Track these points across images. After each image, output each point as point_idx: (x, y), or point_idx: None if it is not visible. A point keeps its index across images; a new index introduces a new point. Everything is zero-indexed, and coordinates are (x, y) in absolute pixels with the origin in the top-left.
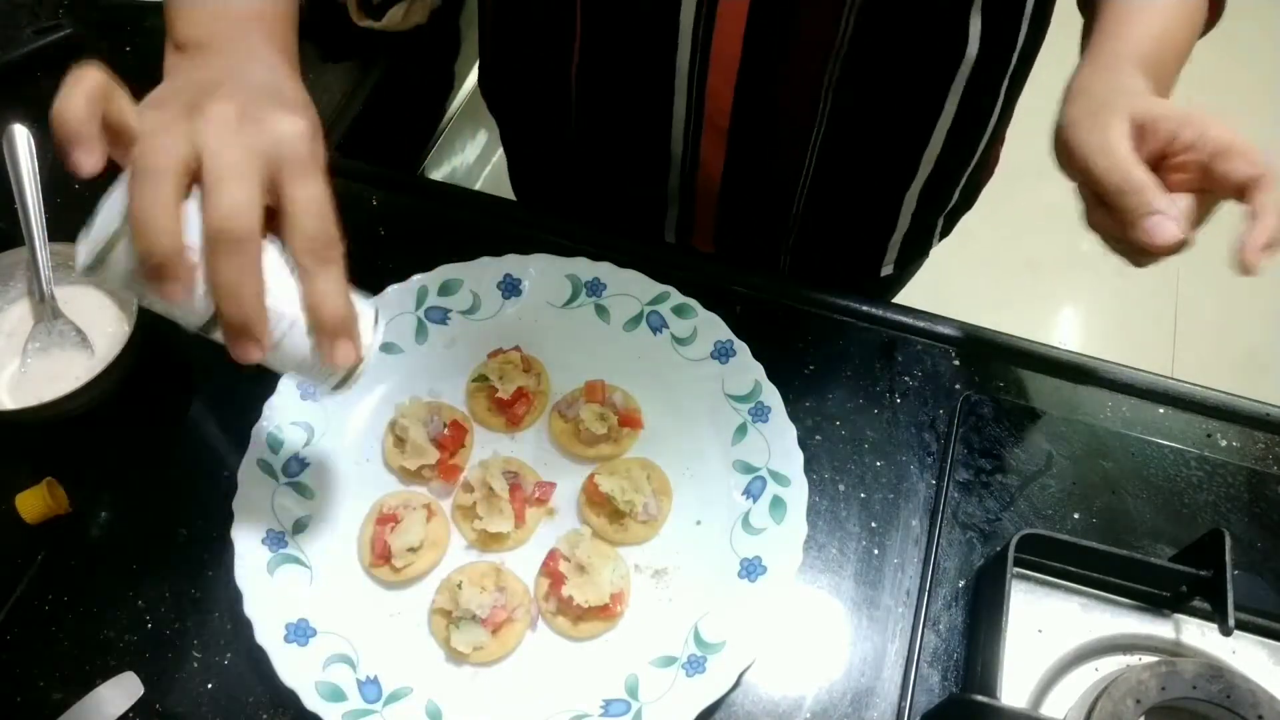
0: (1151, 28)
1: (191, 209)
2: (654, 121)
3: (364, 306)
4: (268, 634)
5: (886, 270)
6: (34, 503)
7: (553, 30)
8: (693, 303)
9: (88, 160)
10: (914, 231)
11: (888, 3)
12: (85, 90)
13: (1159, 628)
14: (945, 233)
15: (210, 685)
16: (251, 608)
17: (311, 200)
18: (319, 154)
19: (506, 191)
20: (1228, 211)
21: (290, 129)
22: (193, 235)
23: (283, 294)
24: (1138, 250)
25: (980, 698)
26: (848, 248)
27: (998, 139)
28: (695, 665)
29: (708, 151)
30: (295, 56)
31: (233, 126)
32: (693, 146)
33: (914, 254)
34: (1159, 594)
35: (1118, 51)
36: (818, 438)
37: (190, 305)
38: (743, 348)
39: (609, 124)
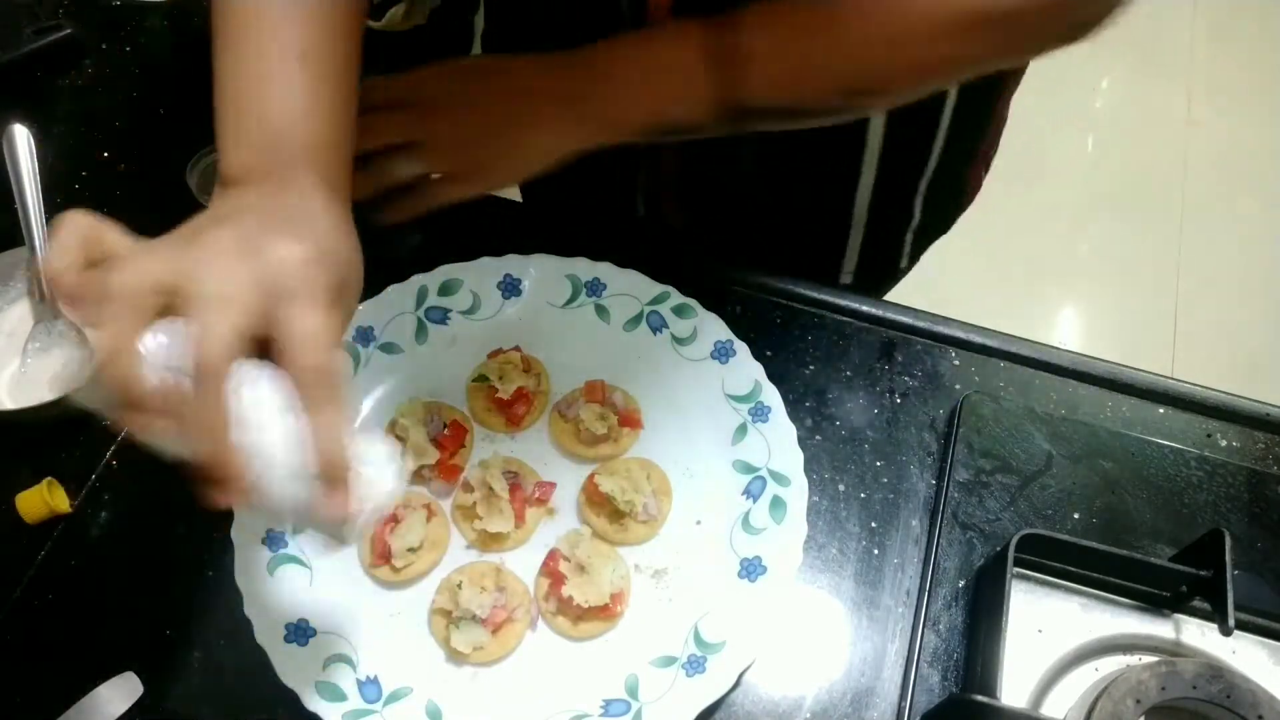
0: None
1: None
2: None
3: (381, 449)
4: (268, 634)
5: (845, 279)
6: (34, 503)
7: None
8: (693, 303)
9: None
10: (873, 240)
11: None
12: (68, 240)
13: (1159, 628)
14: (916, 255)
15: (210, 685)
16: (251, 608)
17: (305, 333)
18: (323, 281)
19: (507, 191)
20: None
21: (287, 253)
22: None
23: (268, 433)
24: None
25: (980, 698)
26: (803, 244)
27: (967, 154)
28: (695, 665)
29: None
30: (342, 184)
31: (226, 252)
32: None
33: (878, 270)
34: (1159, 594)
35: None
36: (818, 438)
37: (169, 440)
38: (743, 348)
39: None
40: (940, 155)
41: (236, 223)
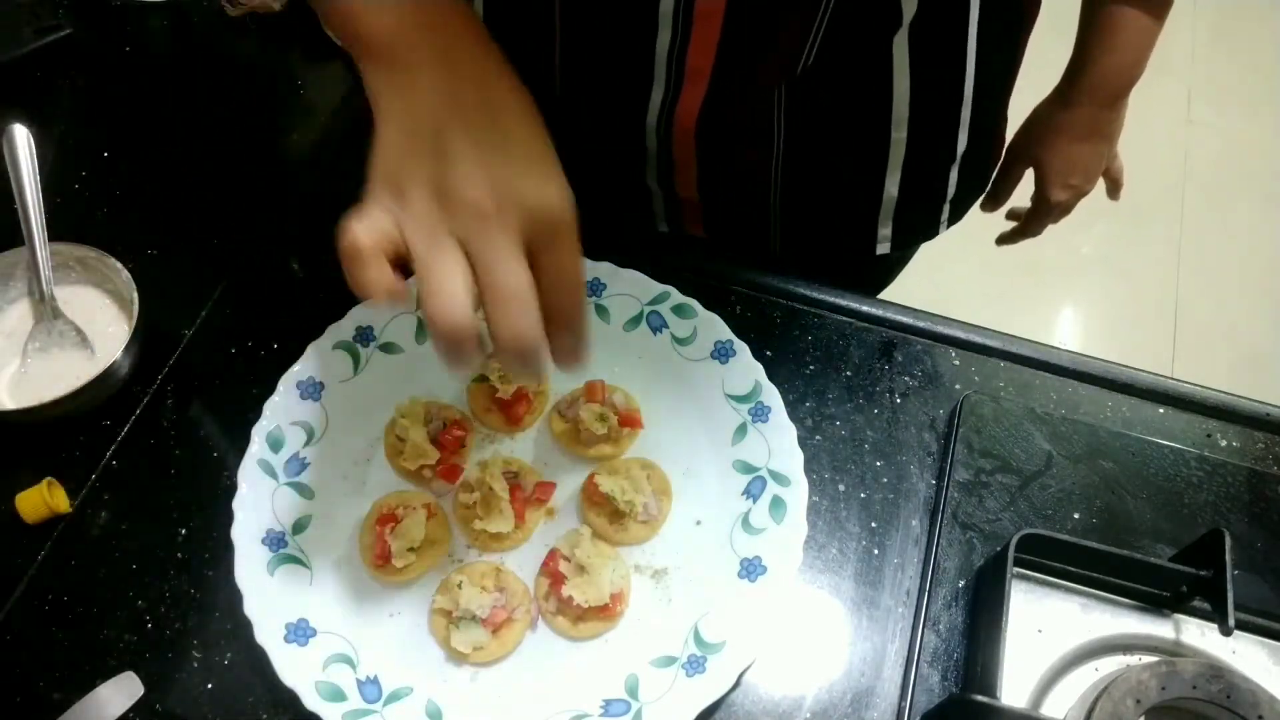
0: (1110, 64)
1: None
2: (630, 114)
3: None
4: (268, 634)
5: (882, 248)
6: (34, 503)
7: (535, 21)
8: (693, 303)
9: (381, 278)
10: (906, 211)
11: None
12: (368, 231)
13: (1159, 628)
14: (956, 217)
15: (210, 685)
16: (251, 608)
17: (560, 271)
18: (569, 210)
19: None
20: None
21: (542, 200)
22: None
23: None
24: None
25: (980, 698)
26: (836, 225)
27: (989, 120)
28: (695, 665)
29: (680, 149)
30: (487, 34)
31: (490, 222)
32: (678, 71)
33: (914, 235)
34: (1159, 594)
35: (1071, 96)
36: (818, 438)
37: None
38: (743, 348)
39: (589, 104)
40: (970, 124)
41: (465, 164)
